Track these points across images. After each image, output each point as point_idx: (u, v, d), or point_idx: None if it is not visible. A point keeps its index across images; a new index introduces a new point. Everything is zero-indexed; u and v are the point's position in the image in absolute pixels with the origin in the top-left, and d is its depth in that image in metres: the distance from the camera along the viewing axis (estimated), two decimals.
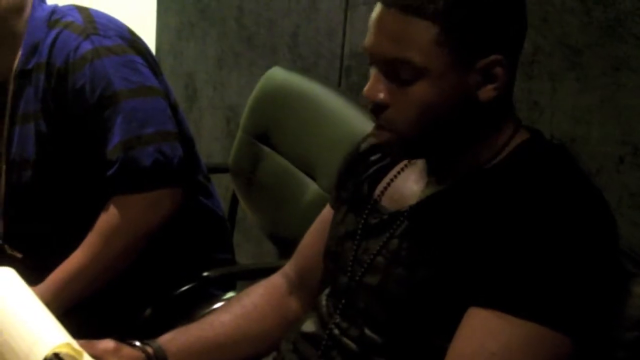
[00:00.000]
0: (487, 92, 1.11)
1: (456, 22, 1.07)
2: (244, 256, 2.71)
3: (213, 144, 3.00)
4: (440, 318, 1.11)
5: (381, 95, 1.12)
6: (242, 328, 1.40)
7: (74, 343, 1.01)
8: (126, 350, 1.29)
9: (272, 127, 2.08)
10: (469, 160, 1.17)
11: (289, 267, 1.47)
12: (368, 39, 1.13)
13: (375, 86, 1.12)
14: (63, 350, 0.98)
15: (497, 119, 1.16)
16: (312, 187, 1.87)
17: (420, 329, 1.13)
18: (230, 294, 1.78)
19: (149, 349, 1.32)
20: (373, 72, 1.13)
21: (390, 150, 1.19)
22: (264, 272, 1.53)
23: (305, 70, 2.37)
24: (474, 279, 1.07)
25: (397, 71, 1.10)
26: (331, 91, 1.96)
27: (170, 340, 1.35)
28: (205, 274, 1.74)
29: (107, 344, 1.27)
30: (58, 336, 1.00)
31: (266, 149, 2.08)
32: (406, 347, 1.15)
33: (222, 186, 2.37)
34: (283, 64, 2.42)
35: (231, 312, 1.42)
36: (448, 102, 1.10)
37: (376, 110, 1.14)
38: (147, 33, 3.52)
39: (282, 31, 2.51)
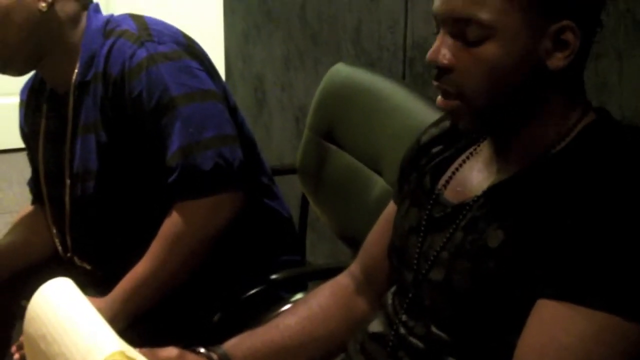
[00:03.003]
0: (556, 60, 1.07)
1: None
2: (320, 256, 2.69)
3: (284, 145, 2.99)
4: (508, 312, 1.06)
5: (446, 58, 1.09)
6: (308, 330, 1.37)
7: (128, 351, 1.00)
8: (190, 357, 1.28)
9: (337, 124, 2.05)
10: (535, 142, 1.12)
11: (354, 266, 1.44)
12: (436, 1, 1.10)
13: (440, 49, 1.09)
14: (116, 359, 0.97)
15: (566, 96, 1.11)
16: (379, 183, 1.84)
17: (487, 324, 1.09)
18: (298, 296, 1.76)
19: (214, 355, 1.31)
20: (439, 36, 1.10)
21: (458, 120, 1.14)
22: (332, 271, 1.50)
23: (369, 65, 2.34)
24: (542, 270, 1.02)
25: (464, 31, 1.07)
26: (395, 84, 1.92)
27: (235, 345, 1.34)
28: (273, 276, 1.72)
29: (170, 351, 1.27)
30: (111, 345, 0.99)
31: (332, 147, 2.06)
32: (474, 344, 1.11)
33: (295, 187, 2.35)
34: (347, 59, 2.40)
35: (297, 315, 1.40)
36: (515, 67, 1.06)
37: (440, 74, 1.10)
38: (215, 39, 3.54)
39: (344, 27, 2.48)
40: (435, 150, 1.30)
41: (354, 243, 1.94)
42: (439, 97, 1.13)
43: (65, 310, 1.08)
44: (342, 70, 2.11)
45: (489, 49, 1.06)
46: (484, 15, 1.05)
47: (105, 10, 1.77)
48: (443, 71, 1.10)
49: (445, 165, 1.27)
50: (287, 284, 1.77)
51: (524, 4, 1.04)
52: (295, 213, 2.22)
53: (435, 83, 1.12)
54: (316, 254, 2.69)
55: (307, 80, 2.75)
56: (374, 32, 2.33)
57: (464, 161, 1.24)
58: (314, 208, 2.18)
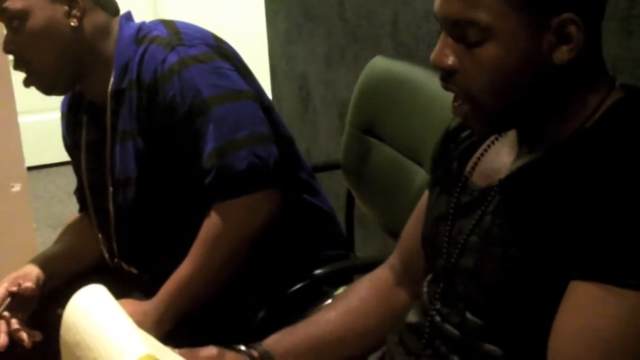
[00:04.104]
0: (562, 53, 1.04)
1: None
2: (370, 252, 2.68)
3: (330, 141, 2.99)
4: (542, 296, 1.04)
5: (449, 60, 1.08)
6: (348, 324, 1.37)
7: (159, 352, 1.01)
8: (230, 355, 1.29)
9: (377, 118, 2.05)
10: (560, 125, 1.10)
11: (393, 258, 1.44)
12: (436, 3, 1.09)
13: (443, 51, 1.08)
14: None
15: (584, 81, 1.09)
16: (421, 175, 1.82)
17: (521, 309, 1.07)
18: (340, 290, 1.76)
19: (255, 353, 1.32)
20: (441, 37, 1.09)
21: (472, 124, 1.13)
22: (376, 264, 1.49)
23: (408, 56, 2.32)
24: (572, 251, 1.00)
25: (464, 33, 1.05)
26: (433, 74, 1.89)
27: (276, 341, 1.35)
28: (316, 271, 1.72)
29: (210, 350, 1.28)
30: (140, 349, 1.00)
31: (373, 140, 2.05)
32: (509, 330, 1.09)
33: (342, 182, 2.35)
34: (386, 52, 2.39)
35: (337, 309, 1.40)
36: (520, 65, 1.04)
37: (445, 77, 1.09)
38: (259, 41, 3.57)
39: (382, 20, 2.47)
40: (463, 135, 1.29)
41: (398, 235, 1.93)
42: (452, 102, 1.12)
43: (97, 317, 1.10)
44: (379, 64, 2.10)
45: (490, 50, 1.04)
46: (481, 16, 1.03)
47: (154, 17, 1.79)
48: (448, 73, 1.09)
49: (472, 150, 1.25)
50: (331, 279, 1.77)
51: (520, 3, 1.02)
52: (342, 208, 2.22)
53: (442, 84, 1.11)
54: (366, 249, 2.68)
55: (349, 76, 2.74)
56: (410, 23, 2.31)
57: (490, 144, 1.22)
58: (358, 202, 2.18)
